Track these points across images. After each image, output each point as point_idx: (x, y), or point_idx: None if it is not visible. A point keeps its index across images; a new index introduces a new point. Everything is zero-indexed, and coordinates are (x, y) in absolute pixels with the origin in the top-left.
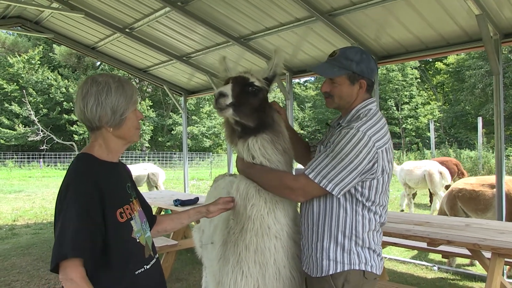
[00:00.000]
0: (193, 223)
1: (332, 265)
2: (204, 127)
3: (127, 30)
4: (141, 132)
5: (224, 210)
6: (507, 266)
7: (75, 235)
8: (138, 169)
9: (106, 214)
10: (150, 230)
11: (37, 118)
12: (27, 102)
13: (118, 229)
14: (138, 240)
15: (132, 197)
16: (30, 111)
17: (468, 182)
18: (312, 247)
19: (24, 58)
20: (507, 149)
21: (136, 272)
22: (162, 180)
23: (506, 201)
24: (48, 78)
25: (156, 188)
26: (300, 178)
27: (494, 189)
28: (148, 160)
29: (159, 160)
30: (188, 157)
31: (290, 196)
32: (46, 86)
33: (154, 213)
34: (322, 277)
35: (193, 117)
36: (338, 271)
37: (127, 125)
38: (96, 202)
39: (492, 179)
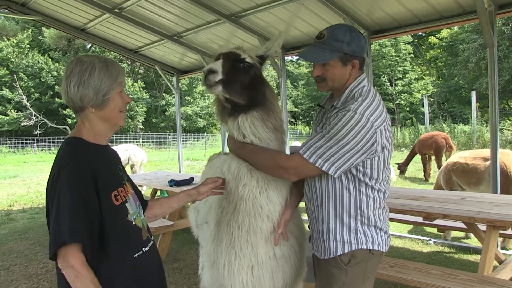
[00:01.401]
0: (189, 203)
1: (339, 246)
2: (197, 107)
3: (116, 10)
4: (134, 114)
5: (214, 189)
6: (501, 238)
7: (72, 220)
8: (119, 150)
9: (101, 197)
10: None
11: (29, 103)
12: (18, 86)
13: (114, 212)
14: (134, 223)
15: (125, 180)
16: (22, 95)
17: (462, 156)
18: (319, 230)
19: (13, 42)
20: (501, 122)
21: (135, 255)
22: (141, 161)
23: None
24: (38, 61)
25: (132, 171)
26: (294, 157)
27: (487, 162)
28: (143, 141)
29: (153, 141)
30: (182, 138)
31: (283, 175)
32: (37, 70)
33: (149, 195)
34: (330, 258)
35: (186, 97)
36: (346, 251)
37: (110, 106)
38: (91, 185)
39: (485, 152)
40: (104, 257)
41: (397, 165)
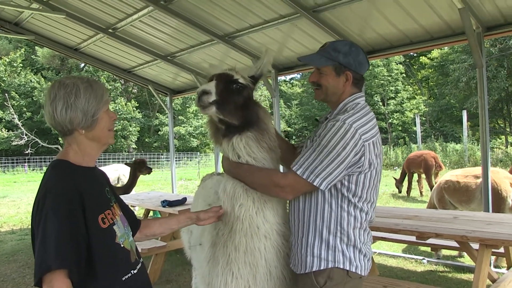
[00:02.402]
0: None
1: (316, 261)
2: (191, 126)
3: (110, 30)
4: (127, 133)
5: (214, 220)
6: (494, 257)
7: (58, 245)
8: (108, 170)
9: (88, 221)
10: (133, 235)
11: (21, 122)
12: (9, 106)
13: (101, 235)
14: (122, 245)
15: (112, 202)
16: (13, 115)
17: (453, 174)
18: (297, 243)
19: (6, 61)
20: (491, 141)
21: (124, 278)
22: None
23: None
24: (31, 81)
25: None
26: (289, 175)
27: (478, 180)
28: None
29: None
30: (176, 157)
31: (279, 194)
32: (29, 89)
33: (142, 215)
34: (306, 273)
35: (180, 117)
36: (322, 268)
37: (100, 126)
38: (77, 209)
39: (476, 170)
40: (92, 281)
41: (395, 180)
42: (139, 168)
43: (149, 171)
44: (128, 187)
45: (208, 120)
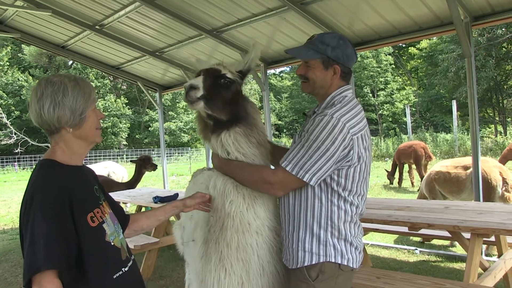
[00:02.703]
0: (173, 218)
1: (307, 256)
2: (181, 122)
3: (97, 27)
4: (117, 130)
5: (201, 204)
6: (485, 245)
7: (47, 246)
8: (97, 168)
9: (77, 220)
10: (123, 232)
11: (10, 121)
12: None
13: (91, 234)
14: (112, 243)
15: (101, 200)
16: (1, 114)
17: (443, 165)
18: (289, 238)
19: None
20: (481, 130)
21: (115, 276)
22: (122, 178)
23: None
24: (18, 79)
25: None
26: (278, 172)
27: (468, 171)
28: (127, 157)
29: (137, 157)
30: (167, 153)
31: (269, 191)
32: (17, 87)
33: (134, 211)
34: (298, 268)
35: (170, 113)
36: (313, 262)
37: (87, 124)
38: (65, 208)
39: (466, 160)
40: (83, 280)
41: (386, 172)
42: (144, 165)
43: (154, 167)
44: (132, 183)
45: (197, 116)
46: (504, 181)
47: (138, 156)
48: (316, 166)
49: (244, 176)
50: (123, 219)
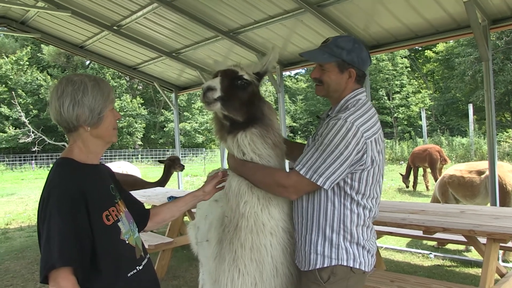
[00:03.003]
0: (187, 219)
1: (319, 259)
2: (196, 123)
3: (115, 27)
4: (133, 130)
5: (218, 184)
6: (501, 251)
7: (62, 243)
8: (111, 167)
9: (92, 218)
10: (139, 230)
11: (28, 120)
12: (16, 103)
13: (105, 232)
14: (127, 242)
15: (117, 198)
16: (20, 112)
17: (458, 169)
18: (301, 240)
19: (12, 59)
20: (498, 134)
21: (129, 275)
22: None
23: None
24: (37, 78)
25: None
26: (292, 175)
27: (482, 176)
28: (142, 157)
29: (152, 157)
30: (181, 154)
31: (282, 193)
32: (36, 87)
33: None
34: (310, 270)
35: (185, 113)
36: (325, 265)
37: (105, 124)
38: (81, 207)
39: (480, 165)
40: (97, 277)
41: (401, 176)
42: (173, 165)
43: (182, 168)
44: (161, 183)
45: (213, 117)
46: None
47: (161, 156)
48: (330, 170)
49: (258, 178)
50: (144, 214)
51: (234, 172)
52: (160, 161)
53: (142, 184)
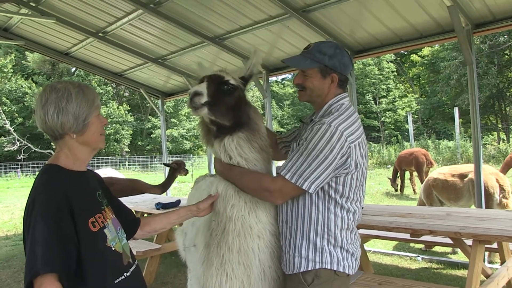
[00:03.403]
0: (176, 225)
1: (303, 262)
2: (183, 129)
3: (100, 34)
4: (120, 137)
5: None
6: (487, 252)
7: (47, 250)
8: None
9: (78, 225)
10: (127, 238)
11: (13, 128)
12: (1, 111)
13: (91, 239)
14: (114, 248)
15: (104, 205)
16: (5, 120)
17: (441, 172)
18: (285, 244)
19: None
20: (483, 137)
21: (116, 281)
22: None
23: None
24: (22, 86)
25: None
26: (278, 180)
27: (465, 179)
28: (129, 164)
29: (139, 164)
30: (169, 160)
31: (268, 198)
32: (21, 94)
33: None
34: (294, 274)
35: (172, 120)
36: (309, 269)
37: (91, 130)
38: (66, 213)
39: (462, 168)
40: (83, 284)
41: (388, 180)
42: (179, 169)
43: (186, 172)
44: (164, 186)
45: (200, 122)
46: (501, 188)
47: (148, 163)
48: (315, 174)
49: (244, 182)
50: (133, 221)
51: (220, 176)
52: (166, 164)
53: (145, 188)
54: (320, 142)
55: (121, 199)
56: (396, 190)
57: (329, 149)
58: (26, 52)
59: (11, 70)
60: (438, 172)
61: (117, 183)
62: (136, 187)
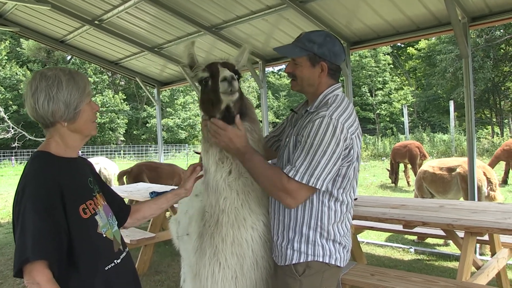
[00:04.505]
0: (170, 214)
1: (296, 255)
2: (179, 118)
3: (96, 22)
4: (115, 126)
5: (196, 177)
6: (479, 244)
7: (36, 237)
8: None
9: (68, 212)
10: (118, 225)
11: (7, 115)
12: None
13: (82, 225)
14: (104, 235)
15: (95, 192)
16: None
17: (430, 165)
18: (277, 236)
19: None
20: (478, 131)
21: (106, 268)
22: (114, 174)
23: (463, 181)
24: (16, 73)
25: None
26: (292, 180)
27: (453, 173)
28: (124, 153)
29: (134, 153)
30: (164, 150)
31: (282, 198)
32: (15, 82)
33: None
34: (286, 265)
35: (168, 109)
36: (301, 261)
37: (82, 118)
38: (56, 200)
39: (450, 162)
40: (74, 271)
41: (383, 172)
42: None
43: None
44: None
45: (203, 121)
46: (489, 181)
47: (143, 152)
48: (326, 170)
49: (263, 176)
50: (124, 209)
51: (236, 153)
52: (196, 152)
53: (181, 171)
54: (324, 137)
55: (116, 187)
56: (393, 182)
57: (335, 143)
58: (21, 39)
59: (6, 57)
60: (428, 164)
61: (161, 167)
62: (176, 170)
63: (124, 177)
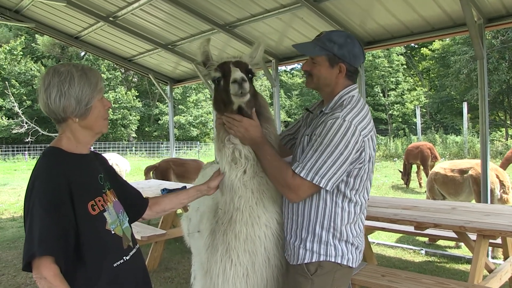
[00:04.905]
0: (181, 211)
1: (308, 254)
2: (191, 116)
3: (110, 18)
4: (127, 123)
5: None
6: (491, 247)
7: (44, 233)
8: None
9: (77, 208)
10: (136, 218)
11: (21, 110)
12: (10, 94)
13: (90, 222)
14: (113, 232)
15: (106, 188)
16: (13, 103)
17: (442, 167)
18: (291, 234)
19: (6, 49)
20: (492, 133)
21: (115, 265)
22: (125, 171)
23: (475, 184)
24: (31, 69)
25: None
26: (296, 177)
27: (465, 175)
28: (136, 150)
29: (146, 150)
30: (176, 147)
31: (285, 192)
32: (30, 77)
33: None
34: (298, 264)
35: (180, 106)
36: (313, 260)
37: (93, 114)
38: (65, 196)
39: (462, 164)
40: (81, 267)
41: (395, 172)
42: None
43: None
44: None
45: (218, 124)
46: (501, 184)
47: (155, 149)
48: (331, 170)
49: (272, 165)
50: (137, 204)
51: (249, 143)
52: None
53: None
54: (335, 137)
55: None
56: (405, 183)
57: (345, 144)
58: (36, 35)
59: (21, 53)
60: (440, 166)
61: (187, 162)
62: (201, 166)
63: (151, 172)
